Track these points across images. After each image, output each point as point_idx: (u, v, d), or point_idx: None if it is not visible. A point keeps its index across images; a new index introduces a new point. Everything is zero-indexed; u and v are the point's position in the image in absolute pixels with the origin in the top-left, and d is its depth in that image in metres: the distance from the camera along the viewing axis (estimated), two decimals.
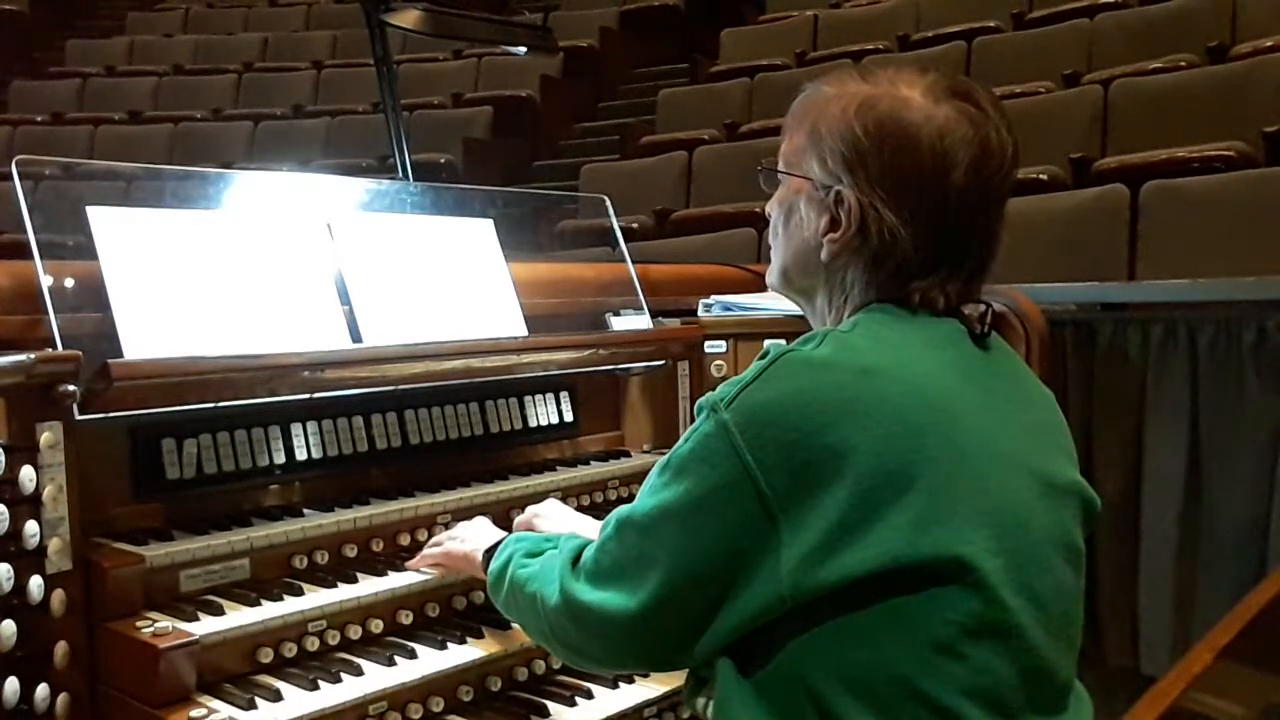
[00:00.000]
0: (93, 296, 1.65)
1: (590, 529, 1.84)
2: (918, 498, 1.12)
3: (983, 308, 1.31)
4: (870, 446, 1.12)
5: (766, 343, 1.29)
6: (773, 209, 1.40)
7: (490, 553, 1.62)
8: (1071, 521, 1.29)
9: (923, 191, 1.24)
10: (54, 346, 1.55)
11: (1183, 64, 5.39)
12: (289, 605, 1.63)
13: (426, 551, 1.82)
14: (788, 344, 1.23)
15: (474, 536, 1.76)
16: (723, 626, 1.19)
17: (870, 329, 1.24)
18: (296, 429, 1.87)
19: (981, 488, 1.16)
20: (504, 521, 1.98)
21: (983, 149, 1.25)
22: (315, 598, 1.67)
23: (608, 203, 2.66)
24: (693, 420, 1.24)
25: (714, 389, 1.23)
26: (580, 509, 2.17)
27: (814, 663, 1.15)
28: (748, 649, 1.20)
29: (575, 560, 1.34)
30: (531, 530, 1.78)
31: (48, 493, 1.46)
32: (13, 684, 1.38)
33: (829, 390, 1.15)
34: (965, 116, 1.25)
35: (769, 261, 1.44)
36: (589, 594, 1.28)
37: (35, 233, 1.62)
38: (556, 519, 1.83)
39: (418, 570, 1.80)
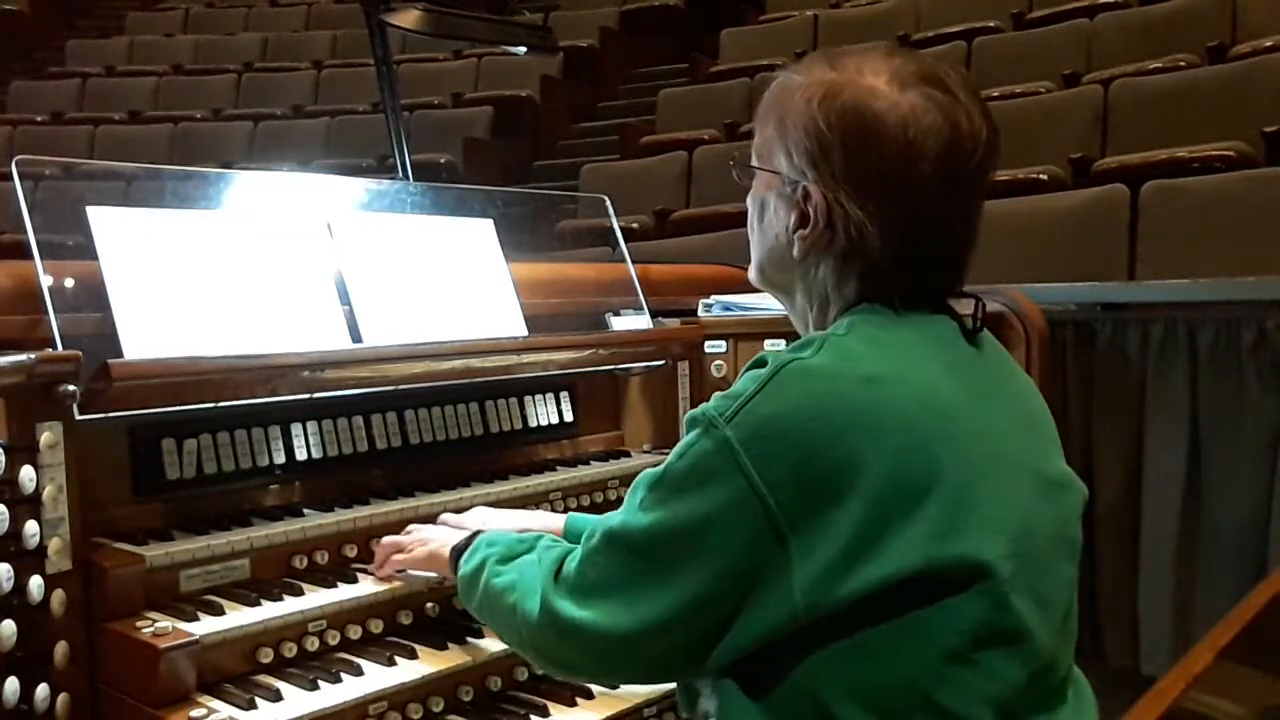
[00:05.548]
0: (93, 296, 1.65)
1: (526, 521, 1.80)
2: (932, 509, 1.09)
3: (973, 303, 1.28)
4: (882, 459, 1.09)
5: (767, 345, 1.26)
6: (749, 203, 1.35)
7: (459, 551, 1.54)
8: (1069, 514, 1.28)
9: (888, 185, 1.19)
10: (54, 346, 1.55)
11: (1183, 64, 5.39)
12: (289, 605, 1.63)
13: (396, 557, 1.72)
14: (782, 351, 1.18)
15: (438, 535, 1.69)
16: (729, 646, 1.16)
17: (865, 331, 1.20)
18: (296, 429, 1.87)
19: (992, 494, 1.14)
20: None
21: (952, 137, 1.18)
22: (315, 598, 1.67)
23: (608, 203, 2.66)
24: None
25: (713, 390, 1.21)
26: (580, 509, 2.18)
27: (827, 680, 1.12)
28: (754, 669, 1.16)
29: (557, 572, 1.28)
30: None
31: (48, 493, 1.46)
32: (13, 684, 1.38)
33: (835, 401, 1.12)
34: (933, 103, 1.18)
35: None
36: (575, 610, 1.23)
37: (35, 233, 1.62)
38: (491, 524, 1.77)
39: (389, 579, 1.73)
